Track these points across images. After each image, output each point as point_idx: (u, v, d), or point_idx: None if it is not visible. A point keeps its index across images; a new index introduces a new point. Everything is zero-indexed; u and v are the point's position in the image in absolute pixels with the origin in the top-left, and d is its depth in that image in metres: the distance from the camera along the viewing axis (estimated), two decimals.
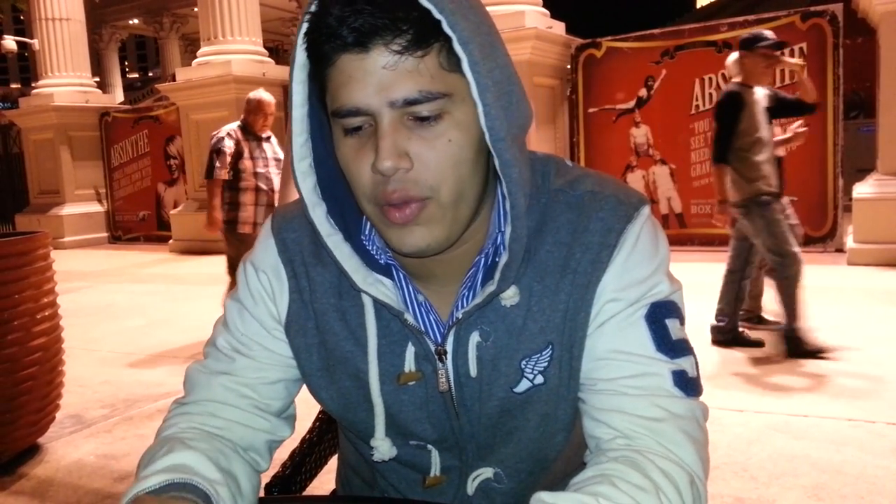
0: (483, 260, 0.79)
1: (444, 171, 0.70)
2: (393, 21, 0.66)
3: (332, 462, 1.19)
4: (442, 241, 0.73)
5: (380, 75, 0.67)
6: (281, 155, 4.68)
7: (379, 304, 0.80)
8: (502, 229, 0.78)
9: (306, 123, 0.77)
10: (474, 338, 0.79)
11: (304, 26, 0.71)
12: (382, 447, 0.84)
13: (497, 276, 0.75)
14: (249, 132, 4.70)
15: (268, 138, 4.76)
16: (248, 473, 0.81)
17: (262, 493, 1.07)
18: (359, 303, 0.82)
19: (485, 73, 0.68)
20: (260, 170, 4.60)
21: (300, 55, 0.73)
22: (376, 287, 0.78)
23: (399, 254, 0.75)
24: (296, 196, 0.86)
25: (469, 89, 0.69)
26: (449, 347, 0.80)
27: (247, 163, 4.57)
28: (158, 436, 0.83)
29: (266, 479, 1.12)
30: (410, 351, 0.81)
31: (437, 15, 0.66)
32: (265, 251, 0.87)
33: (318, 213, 0.79)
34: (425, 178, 0.69)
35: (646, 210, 0.79)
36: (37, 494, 2.59)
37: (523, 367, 0.79)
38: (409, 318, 0.79)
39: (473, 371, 0.80)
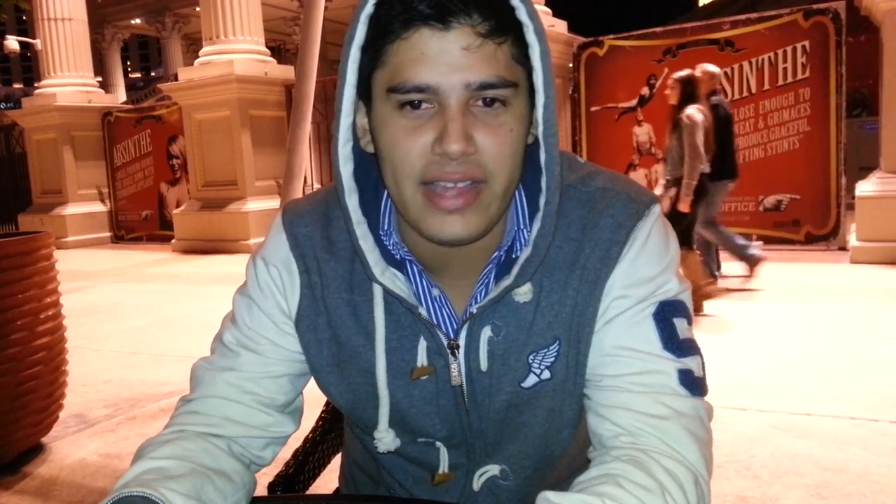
0: (501, 256, 0.79)
1: (503, 161, 0.70)
2: (477, 2, 0.66)
3: (336, 461, 1.19)
4: (481, 231, 0.74)
5: (458, 55, 0.67)
6: None
7: (390, 299, 0.80)
8: (521, 226, 0.79)
9: (353, 107, 0.75)
10: (486, 332, 0.79)
11: (371, 1, 0.69)
12: (386, 438, 0.84)
13: (515, 270, 0.75)
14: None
15: None
16: (237, 471, 0.81)
17: (265, 493, 1.07)
18: (369, 297, 0.82)
19: (549, 66, 0.70)
20: None
21: (360, 31, 0.71)
22: (392, 280, 0.78)
23: (433, 240, 0.74)
24: (298, 194, 0.85)
25: (526, 83, 0.71)
26: (462, 342, 0.80)
27: None
28: (159, 435, 0.83)
29: (269, 478, 1.13)
30: (423, 345, 0.81)
31: (514, 2, 0.67)
32: (276, 246, 0.86)
33: (353, 200, 0.78)
34: (487, 163, 0.70)
35: (657, 208, 0.80)
36: (40, 494, 2.59)
37: (530, 361, 0.79)
38: (422, 312, 0.79)
39: (484, 365, 0.80)
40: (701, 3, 28.00)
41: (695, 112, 4.52)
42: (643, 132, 7.73)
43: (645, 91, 7.66)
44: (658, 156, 7.66)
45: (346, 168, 0.77)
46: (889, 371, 3.35)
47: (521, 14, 0.68)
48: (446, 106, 0.68)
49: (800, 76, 6.91)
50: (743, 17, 7.36)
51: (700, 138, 4.45)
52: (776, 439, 2.68)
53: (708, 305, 4.74)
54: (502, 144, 0.70)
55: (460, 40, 0.66)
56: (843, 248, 6.69)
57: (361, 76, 0.73)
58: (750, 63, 7.10)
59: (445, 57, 0.67)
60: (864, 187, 6.36)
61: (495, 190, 0.71)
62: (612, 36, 7.89)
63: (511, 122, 0.70)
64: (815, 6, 6.85)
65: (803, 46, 6.86)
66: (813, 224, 6.96)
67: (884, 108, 6.41)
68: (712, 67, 5.40)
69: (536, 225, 0.74)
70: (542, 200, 0.74)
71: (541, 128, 0.72)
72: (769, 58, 7.02)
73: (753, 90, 7.11)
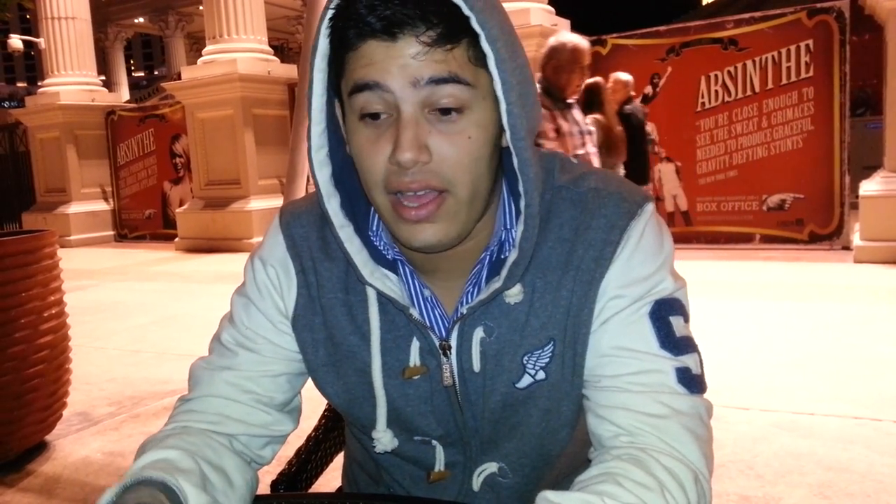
0: (488, 257, 0.79)
1: (462, 167, 0.70)
2: (424, 14, 0.67)
3: (338, 460, 1.20)
4: (453, 238, 0.74)
5: (406, 62, 0.67)
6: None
7: (384, 299, 0.81)
8: (508, 226, 0.79)
9: (325, 113, 0.77)
10: (478, 333, 0.80)
11: (330, 12, 0.71)
12: (384, 438, 0.85)
13: (504, 273, 0.76)
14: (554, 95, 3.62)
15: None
16: (240, 467, 0.81)
17: (267, 491, 1.08)
18: (364, 297, 0.82)
19: (509, 72, 0.69)
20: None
21: (322, 43, 0.73)
22: (382, 281, 0.79)
23: (408, 248, 0.76)
24: (301, 193, 0.86)
25: (489, 88, 0.70)
26: (453, 342, 0.80)
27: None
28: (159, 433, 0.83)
29: (272, 476, 1.13)
30: (415, 345, 0.81)
31: (466, 11, 0.67)
32: (274, 246, 0.87)
33: (333, 204, 0.79)
34: (444, 172, 0.70)
35: (650, 207, 0.79)
36: (44, 491, 2.60)
37: (525, 362, 0.80)
38: (414, 312, 0.79)
39: (477, 366, 0.80)
40: (704, 2, 27.96)
41: (594, 120, 4.59)
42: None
43: (648, 90, 7.64)
44: (661, 155, 7.66)
45: (321, 173, 0.78)
46: (892, 371, 3.35)
47: (473, 23, 0.68)
48: (400, 112, 0.69)
49: (803, 75, 6.89)
50: (746, 15, 7.35)
51: (592, 146, 4.51)
52: (779, 439, 2.68)
53: (709, 304, 4.73)
54: (460, 152, 0.70)
55: (408, 49, 0.67)
56: (846, 248, 6.68)
57: (335, 84, 0.74)
58: (753, 62, 7.09)
59: (394, 61, 0.68)
60: (868, 186, 6.34)
61: (460, 197, 0.71)
62: (615, 35, 7.88)
63: (469, 129, 0.70)
64: (818, 5, 6.83)
65: (807, 45, 6.84)
66: (816, 223, 6.95)
67: (888, 108, 6.39)
68: (625, 76, 5.54)
69: (520, 228, 0.75)
70: (521, 203, 0.74)
71: (508, 134, 0.71)
72: (773, 57, 7.01)
73: (757, 89, 7.10)
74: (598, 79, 4.77)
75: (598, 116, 4.51)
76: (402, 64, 0.67)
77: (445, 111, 0.69)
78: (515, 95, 0.69)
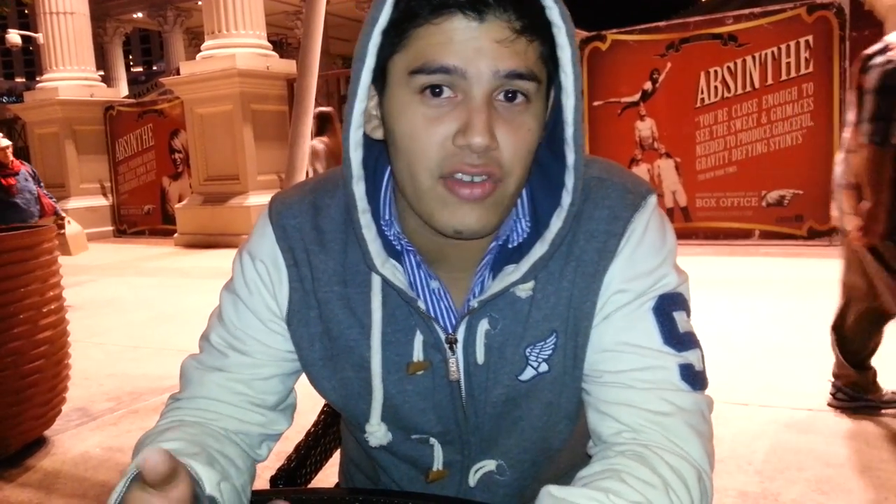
0: (497, 247, 0.78)
1: (519, 159, 0.70)
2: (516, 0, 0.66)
3: (337, 456, 1.19)
4: (494, 225, 0.73)
5: (489, 46, 0.66)
6: None
7: (387, 291, 0.79)
8: (519, 216, 0.78)
9: (368, 92, 0.72)
10: (483, 325, 0.78)
11: None
12: (378, 432, 0.83)
13: (525, 267, 0.74)
14: None
15: None
16: (240, 455, 0.80)
17: (267, 486, 1.08)
18: (365, 290, 0.80)
19: (580, 70, 0.70)
20: None
21: (385, 14, 0.68)
22: (392, 271, 0.76)
23: (445, 233, 0.72)
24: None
25: (546, 83, 0.71)
26: (460, 336, 0.79)
27: None
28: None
29: (271, 471, 1.13)
30: (419, 339, 0.80)
31: (548, 2, 0.67)
32: (262, 239, 0.84)
33: (361, 188, 0.76)
34: (505, 161, 0.69)
35: (653, 199, 0.79)
36: (43, 487, 2.60)
37: (528, 354, 0.79)
38: (421, 304, 0.78)
39: (481, 359, 0.79)
40: None
41: (317, 143, 5.85)
42: (646, 127, 7.71)
43: (648, 86, 7.64)
44: (661, 151, 7.66)
45: (356, 154, 0.74)
46: (891, 366, 3.35)
47: (554, 15, 0.67)
48: (471, 96, 0.66)
49: (803, 71, 6.89)
50: (746, 11, 7.33)
51: (321, 166, 5.77)
52: (778, 435, 2.68)
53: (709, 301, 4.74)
54: (520, 143, 0.69)
55: (493, 33, 0.65)
56: None
57: (378, 60, 0.71)
58: (753, 58, 7.08)
59: (475, 43, 0.65)
60: None
61: (509, 188, 0.70)
62: (614, 30, 7.87)
63: (530, 122, 0.69)
64: (818, 1, 6.82)
65: (807, 41, 6.84)
66: (816, 219, 6.95)
67: None
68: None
69: (557, 224, 0.74)
70: (566, 199, 0.73)
71: (570, 129, 0.71)
72: (772, 52, 7.00)
73: (756, 85, 7.09)
74: (330, 109, 6.13)
75: (325, 139, 5.78)
76: (485, 48, 0.65)
77: (512, 100, 0.68)
78: (580, 92, 0.70)
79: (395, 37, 0.68)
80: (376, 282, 0.79)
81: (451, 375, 0.80)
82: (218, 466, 0.73)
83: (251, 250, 0.85)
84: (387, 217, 0.79)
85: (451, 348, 0.79)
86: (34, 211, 5.62)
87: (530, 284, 0.77)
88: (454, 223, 0.70)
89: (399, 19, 0.68)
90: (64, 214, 5.96)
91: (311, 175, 5.34)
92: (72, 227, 5.89)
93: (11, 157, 5.57)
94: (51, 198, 5.93)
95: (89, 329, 4.91)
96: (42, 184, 5.95)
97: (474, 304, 0.77)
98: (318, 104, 5.19)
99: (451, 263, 0.79)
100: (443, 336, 0.79)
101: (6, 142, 5.57)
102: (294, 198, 0.85)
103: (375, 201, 0.79)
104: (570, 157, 0.72)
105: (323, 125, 5.93)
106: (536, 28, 0.67)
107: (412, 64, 0.67)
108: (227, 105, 9.41)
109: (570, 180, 0.73)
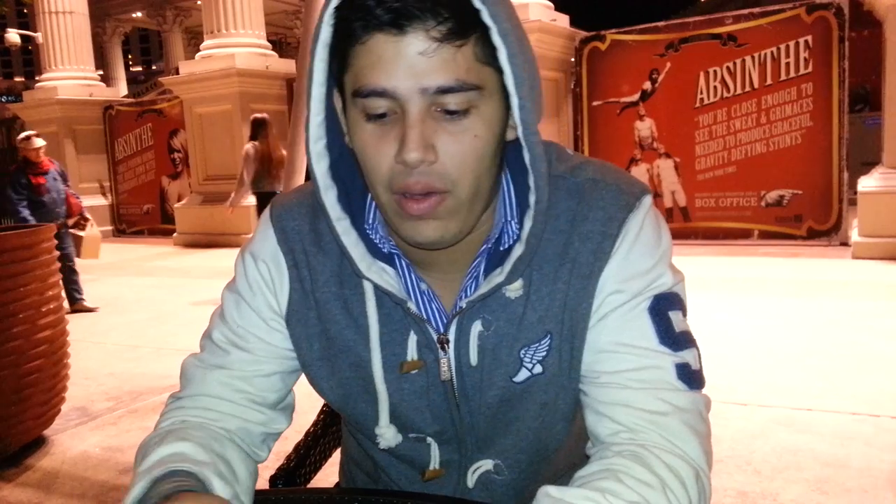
0: (488, 250, 0.78)
1: (467, 166, 0.69)
2: (434, 6, 0.64)
3: (337, 455, 1.20)
4: (455, 234, 0.73)
5: (414, 61, 0.65)
6: None
7: (381, 292, 0.79)
8: (508, 218, 0.78)
9: (324, 104, 0.75)
10: (476, 327, 0.79)
11: (335, 1, 0.68)
12: (387, 434, 0.83)
13: (508, 267, 0.74)
14: None
15: None
16: (243, 459, 0.80)
17: (266, 486, 1.08)
18: (360, 291, 0.81)
19: (521, 66, 0.68)
20: None
21: (325, 32, 0.70)
22: (380, 275, 0.77)
23: (410, 244, 0.74)
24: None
25: (496, 84, 0.69)
26: (451, 336, 0.79)
27: None
28: (155, 429, 0.82)
29: (271, 471, 1.13)
30: (412, 339, 0.80)
31: (477, 4, 0.66)
32: (264, 240, 0.85)
33: (330, 197, 0.77)
34: (448, 172, 0.69)
35: (648, 199, 0.78)
36: (42, 486, 2.60)
37: (522, 356, 0.79)
38: (411, 306, 0.78)
39: (474, 360, 0.79)
40: None
41: (249, 147, 6.05)
42: (645, 127, 7.72)
43: (647, 86, 7.65)
44: (660, 150, 7.66)
45: (319, 165, 0.76)
46: (890, 366, 3.35)
47: (485, 16, 0.66)
48: (406, 112, 0.67)
49: (802, 71, 6.90)
50: (745, 11, 7.34)
51: (250, 169, 5.96)
52: (777, 434, 2.69)
53: (710, 301, 4.74)
54: (465, 151, 0.68)
55: (416, 45, 0.65)
56: (844, 244, 6.69)
57: (336, 76, 0.72)
58: (752, 58, 7.08)
59: (402, 61, 0.65)
60: (866, 183, 6.35)
61: (460, 197, 0.70)
62: (614, 30, 7.87)
63: (476, 128, 0.68)
64: (817, 1, 6.82)
65: (806, 41, 6.84)
66: (815, 219, 6.96)
67: (886, 104, 6.39)
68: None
69: (528, 223, 0.73)
70: (532, 198, 0.73)
71: (520, 129, 0.70)
72: (772, 52, 7.01)
73: (756, 85, 7.10)
74: (264, 115, 6.22)
75: (255, 143, 5.98)
76: (409, 64, 0.65)
77: (452, 111, 0.68)
78: (527, 90, 0.68)
79: (340, 56, 0.70)
80: (368, 285, 0.80)
81: (443, 375, 0.80)
82: (230, 476, 0.74)
83: (254, 251, 0.86)
84: (371, 221, 0.80)
85: (443, 348, 0.80)
86: (61, 211, 5.63)
87: (519, 284, 0.77)
88: (414, 235, 0.72)
89: (339, 39, 0.69)
90: (89, 217, 5.97)
91: (241, 177, 6.01)
92: (91, 231, 5.89)
93: (42, 157, 5.59)
94: (78, 198, 5.94)
95: (88, 328, 4.92)
96: (69, 183, 5.96)
97: (462, 304, 0.77)
98: None
99: (441, 266, 0.80)
100: (434, 336, 0.80)
101: (41, 142, 5.61)
102: (294, 201, 0.86)
103: (361, 205, 0.80)
104: (526, 157, 0.71)
105: (257, 130, 6.08)
106: (465, 31, 0.66)
107: (353, 86, 0.69)
108: (227, 104, 9.41)
109: (531, 179, 0.73)
